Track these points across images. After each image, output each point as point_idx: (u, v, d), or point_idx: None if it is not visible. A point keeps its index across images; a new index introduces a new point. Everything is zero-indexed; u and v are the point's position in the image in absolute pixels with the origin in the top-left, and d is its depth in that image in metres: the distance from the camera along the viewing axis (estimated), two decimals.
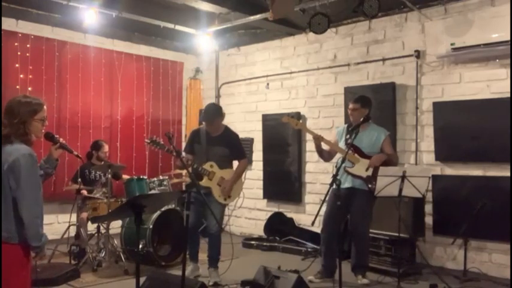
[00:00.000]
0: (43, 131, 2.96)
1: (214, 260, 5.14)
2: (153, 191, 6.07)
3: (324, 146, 5.20)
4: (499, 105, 5.35)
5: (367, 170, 4.97)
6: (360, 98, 5.19)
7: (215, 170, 5.08)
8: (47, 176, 3.14)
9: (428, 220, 5.81)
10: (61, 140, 3.23)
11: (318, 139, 5.06)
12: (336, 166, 5.04)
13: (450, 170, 5.79)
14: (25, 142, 2.78)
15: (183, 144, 7.21)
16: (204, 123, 5.22)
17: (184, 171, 6.75)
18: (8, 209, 2.68)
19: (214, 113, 5.13)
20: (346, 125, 5.40)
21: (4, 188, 2.68)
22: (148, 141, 4.90)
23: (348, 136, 5.09)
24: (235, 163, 5.32)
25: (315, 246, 6.24)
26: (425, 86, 6.05)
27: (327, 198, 4.46)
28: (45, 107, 2.92)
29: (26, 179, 2.66)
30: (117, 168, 6.18)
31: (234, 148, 5.23)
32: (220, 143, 5.13)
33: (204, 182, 5.01)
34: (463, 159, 5.67)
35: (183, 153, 4.95)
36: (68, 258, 5.56)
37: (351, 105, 5.17)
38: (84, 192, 5.89)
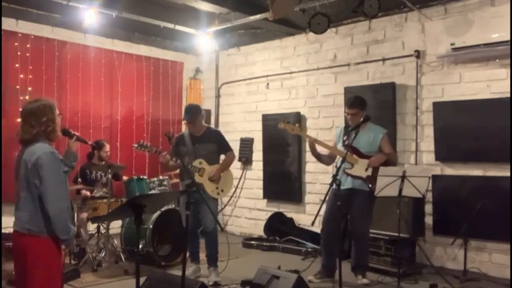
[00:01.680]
0: None
1: (213, 259, 5.15)
2: (153, 191, 6.07)
3: (320, 149, 5.17)
4: (499, 105, 5.35)
5: (366, 169, 4.96)
6: (357, 102, 5.10)
7: (205, 166, 5.14)
8: (71, 168, 3.38)
9: (428, 220, 5.81)
10: (76, 133, 3.52)
11: (312, 142, 5.03)
12: (335, 166, 5.04)
13: (450, 170, 5.79)
14: (53, 139, 3.01)
15: None
16: (186, 123, 5.33)
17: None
18: (36, 206, 2.83)
19: (195, 112, 5.25)
20: (343, 126, 5.39)
21: (30, 185, 2.84)
22: (136, 145, 5.05)
23: (346, 137, 5.07)
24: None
25: (315, 246, 6.24)
26: (425, 86, 6.05)
27: (326, 198, 4.45)
28: None
29: (49, 175, 2.81)
30: (118, 168, 6.19)
31: (220, 143, 5.34)
32: (206, 140, 5.23)
33: (196, 179, 5.04)
34: (463, 159, 5.67)
35: (167, 156, 4.98)
36: (68, 258, 5.56)
37: (348, 110, 5.10)
38: (87, 193, 5.90)
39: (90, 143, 3.85)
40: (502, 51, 5.29)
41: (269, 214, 7.36)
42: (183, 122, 5.49)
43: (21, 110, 3.06)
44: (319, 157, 5.23)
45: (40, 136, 2.92)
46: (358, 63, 6.70)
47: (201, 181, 5.08)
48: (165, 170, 6.19)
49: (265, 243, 6.85)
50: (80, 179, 6.02)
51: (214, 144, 5.27)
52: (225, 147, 5.38)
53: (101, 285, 4.98)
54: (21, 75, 6.76)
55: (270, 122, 7.58)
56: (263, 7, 6.23)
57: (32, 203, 2.84)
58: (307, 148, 7.16)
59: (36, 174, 2.81)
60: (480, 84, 5.60)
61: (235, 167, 7.45)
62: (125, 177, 6.41)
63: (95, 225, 5.79)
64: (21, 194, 2.88)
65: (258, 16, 6.53)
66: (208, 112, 8.43)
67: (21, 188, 2.88)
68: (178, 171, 5.57)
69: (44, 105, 2.99)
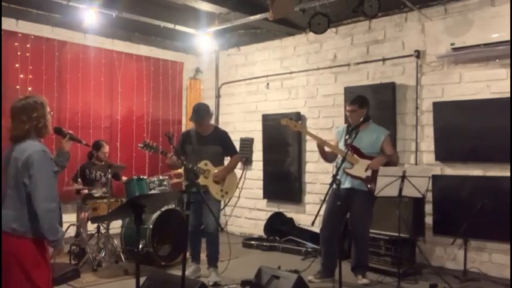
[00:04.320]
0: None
1: (213, 260, 5.15)
2: (153, 191, 6.07)
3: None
4: (499, 105, 5.35)
5: (366, 170, 4.96)
6: (357, 99, 5.16)
7: (210, 168, 5.11)
8: (62, 168, 3.27)
9: (428, 220, 5.81)
10: (70, 132, 3.38)
11: (321, 144, 5.04)
12: (336, 166, 5.04)
13: (450, 170, 5.79)
14: (43, 135, 2.93)
15: None
16: (193, 123, 5.24)
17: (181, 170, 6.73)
18: (23, 205, 2.76)
19: (203, 112, 5.17)
20: (346, 125, 5.39)
21: (18, 184, 2.76)
22: (142, 145, 4.97)
23: (347, 137, 5.08)
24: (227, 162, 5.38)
25: (315, 246, 6.23)
26: (425, 86, 6.05)
27: (326, 198, 4.45)
28: None
29: (39, 174, 2.74)
30: (118, 168, 6.19)
31: (226, 145, 5.29)
32: (212, 142, 5.18)
33: (201, 181, 5.02)
34: (463, 159, 5.67)
35: (173, 157, 4.95)
36: (68, 258, 5.56)
37: (348, 107, 5.15)
38: (85, 190, 5.90)
39: (84, 142, 3.72)
40: (502, 51, 5.29)
41: (269, 214, 7.36)
42: (190, 121, 5.37)
43: (11, 107, 2.96)
44: (325, 156, 5.23)
45: (31, 132, 2.86)
46: (358, 63, 6.70)
47: (206, 183, 5.04)
48: (171, 169, 6.19)
49: (265, 243, 6.85)
50: (79, 179, 6.02)
51: (219, 146, 5.21)
52: (230, 150, 5.33)
53: (101, 285, 4.98)
54: (21, 75, 6.76)
55: (270, 122, 7.58)
56: (263, 7, 6.23)
57: (19, 202, 2.76)
58: (307, 148, 7.24)
59: (26, 173, 2.74)
60: (480, 84, 5.60)
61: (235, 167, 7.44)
62: (124, 178, 6.41)
63: (95, 225, 5.78)
64: (8, 191, 2.80)
65: (258, 16, 6.54)
66: None
67: (9, 186, 2.80)
68: (182, 170, 5.55)
69: (35, 101, 2.93)
